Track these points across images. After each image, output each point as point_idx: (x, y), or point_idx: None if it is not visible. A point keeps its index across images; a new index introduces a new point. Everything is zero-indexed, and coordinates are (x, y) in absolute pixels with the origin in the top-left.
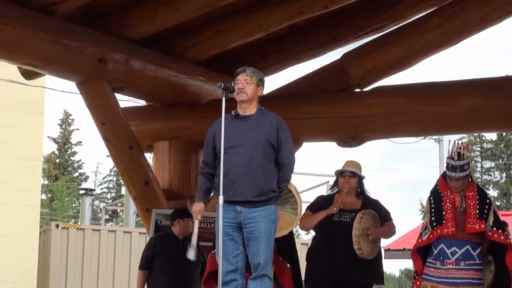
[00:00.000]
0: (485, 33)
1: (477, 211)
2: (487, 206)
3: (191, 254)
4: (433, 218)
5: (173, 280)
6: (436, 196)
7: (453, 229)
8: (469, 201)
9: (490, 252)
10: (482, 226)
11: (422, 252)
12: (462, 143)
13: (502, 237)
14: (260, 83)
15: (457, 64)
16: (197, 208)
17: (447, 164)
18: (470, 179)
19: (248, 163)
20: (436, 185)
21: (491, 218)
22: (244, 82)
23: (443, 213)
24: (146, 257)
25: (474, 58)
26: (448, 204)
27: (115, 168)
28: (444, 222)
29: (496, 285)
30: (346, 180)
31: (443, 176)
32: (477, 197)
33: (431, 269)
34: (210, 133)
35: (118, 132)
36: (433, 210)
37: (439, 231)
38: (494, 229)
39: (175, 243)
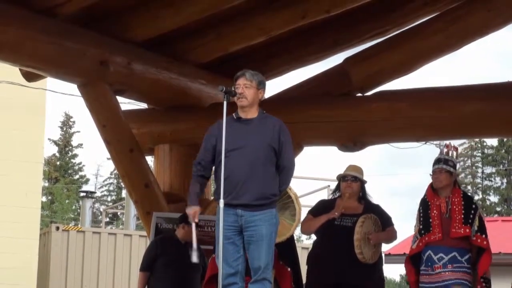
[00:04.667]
0: (486, 39)
1: (462, 216)
2: (472, 211)
3: (194, 257)
4: (421, 226)
5: (173, 283)
6: (424, 205)
7: (440, 235)
8: (454, 207)
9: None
10: (467, 230)
11: (414, 261)
12: (452, 144)
13: (484, 242)
14: (261, 86)
15: (458, 69)
16: (193, 210)
17: (434, 161)
18: (456, 186)
19: (249, 166)
20: (424, 195)
21: (476, 223)
22: (243, 86)
23: (430, 220)
24: (148, 259)
25: (475, 63)
26: (434, 211)
27: (115, 171)
28: (431, 229)
29: None
30: (348, 184)
31: (431, 185)
32: (463, 202)
33: (425, 276)
34: (211, 134)
35: (119, 134)
36: (421, 218)
37: (426, 238)
38: (478, 234)
39: (177, 247)
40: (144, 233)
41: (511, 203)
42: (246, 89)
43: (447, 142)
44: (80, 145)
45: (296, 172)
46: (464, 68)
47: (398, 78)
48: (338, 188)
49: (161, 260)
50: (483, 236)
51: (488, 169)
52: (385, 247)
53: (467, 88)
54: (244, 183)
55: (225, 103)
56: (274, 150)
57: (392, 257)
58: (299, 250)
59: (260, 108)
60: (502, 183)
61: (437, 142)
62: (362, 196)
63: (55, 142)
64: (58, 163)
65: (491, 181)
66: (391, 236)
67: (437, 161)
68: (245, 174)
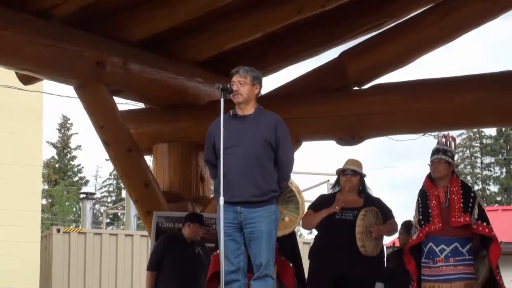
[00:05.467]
0: (482, 29)
1: (461, 205)
2: (471, 200)
3: None
4: (420, 217)
5: (180, 281)
6: (422, 196)
7: (440, 224)
8: (453, 196)
9: (483, 246)
10: (467, 219)
11: (414, 253)
12: (450, 134)
13: (486, 230)
14: (256, 81)
15: (454, 60)
16: None
17: (432, 151)
18: (454, 175)
19: (247, 163)
20: (422, 186)
21: (475, 211)
22: (238, 83)
23: (430, 210)
24: (155, 258)
25: (471, 54)
26: (433, 201)
27: (115, 172)
28: (431, 219)
29: (492, 278)
30: (348, 178)
31: (428, 176)
32: (461, 191)
33: (426, 269)
34: (209, 133)
35: (117, 135)
36: (420, 209)
37: (427, 229)
38: (479, 222)
39: (184, 245)
40: (145, 232)
41: (511, 193)
42: (241, 86)
43: (445, 132)
44: (78, 147)
45: (295, 167)
46: (460, 59)
47: (394, 71)
48: (337, 182)
49: (168, 259)
50: (484, 224)
51: (487, 159)
52: (386, 240)
53: (464, 78)
54: (241, 180)
55: (222, 100)
56: (271, 145)
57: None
58: (300, 245)
59: (258, 104)
60: (501, 173)
61: (435, 133)
62: (362, 189)
63: (53, 145)
64: (57, 165)
65: (491, 171)
66: (392, 228)
67: (436, 151)
68: (242, 171)
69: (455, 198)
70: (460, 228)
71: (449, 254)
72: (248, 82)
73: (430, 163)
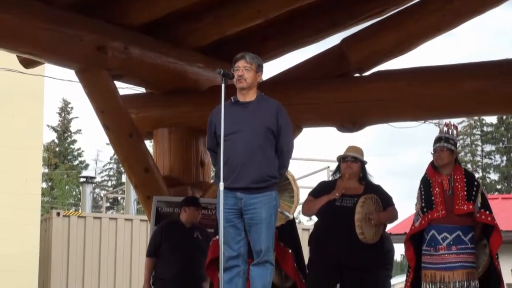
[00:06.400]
0: (484, 16)
1: (465, 193)
2: (475, 188)
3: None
4: (423, 204)
5: (179, 267)
6: (425, 183)
7: (443, 212)
8: (457, 184)
9: (484, 235)
10: (470, 207)
11: (415, 240)
12: (452, 123)
13: (489, 218)
14: (260, 69)
15: (456, 47)
16: None
17: (434, 140)
18: (457, 163)
19: (248, 150)
20: (425, 173)
21: (479, 200)
22: (243, 69)
23: (433, 197)
24: (154, 244)
25: (473, 41)
26: (437, 188)
27: (115, 156)
28: (434, 206)
29: (491, 266)
30: (348, 165)
31: (432, 164)
32: (465, 179)
33: (427, 256)
34: (211, 120)
35: (118, 119)
36: (423, 196)
37: (430, 216)
38: (482, 210)
39: (182, 231)
40: (145, 217)
41: (511, 181)
42: (246, 72)
43: (447, 121)
44: (78, 131)
45: (295, 154)
46: (462, 46)
47: (396, 58)
48: (338, 169)
49: (166, 245)
50: (487, 212)
51: (488, 147)
52: (387, 227)
53: (465, 66)
54: (242, 166)
55: (223, 85)
56: (272, 132)
57: (393, 237)
58: (299, 232)
59: (259, 90)
60: (502, 161)
61: (436, 121)
62: (362, 176)
63: (53, 128)
64: (57, 149)
65: (491, 159)
66: (392, 215)
67: (438, 139)
68: (244, 157)
69: (459, 186)
70: (463, 216)
71: (452, 242)
72: (253, 69)
73: (432, 152)
